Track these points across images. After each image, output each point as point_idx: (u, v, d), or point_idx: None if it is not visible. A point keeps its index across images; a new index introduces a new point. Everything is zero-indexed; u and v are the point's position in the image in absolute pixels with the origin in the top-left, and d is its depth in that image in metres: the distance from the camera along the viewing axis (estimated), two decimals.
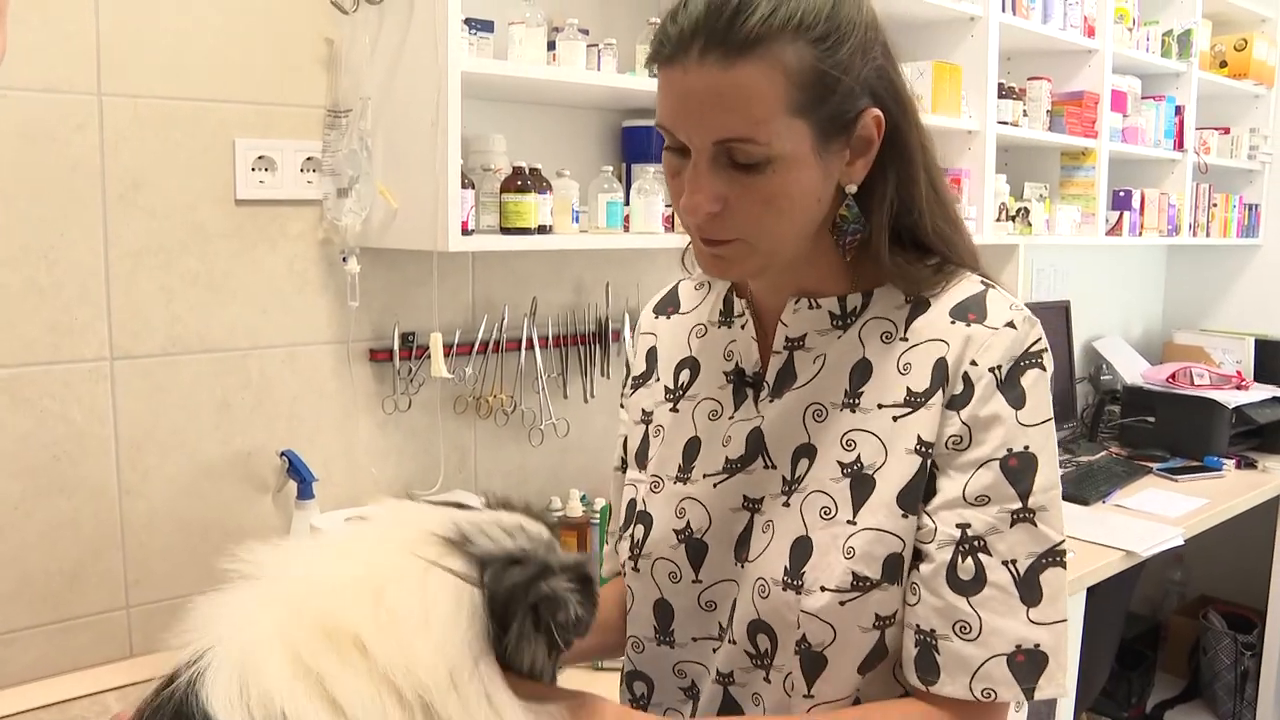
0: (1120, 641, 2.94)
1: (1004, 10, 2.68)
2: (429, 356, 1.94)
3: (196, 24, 1.72)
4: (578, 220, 1.99)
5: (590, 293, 2.27)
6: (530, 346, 2.15)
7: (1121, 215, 3.27)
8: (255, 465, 1.85)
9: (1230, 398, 3.15)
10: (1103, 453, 3.18)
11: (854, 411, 0.97)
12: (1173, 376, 3.32)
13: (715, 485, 1.03)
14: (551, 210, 1.91)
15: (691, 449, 1.06)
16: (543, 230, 1.90)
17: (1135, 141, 3.27)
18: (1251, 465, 3.11)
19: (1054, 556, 0.93)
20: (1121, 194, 3.29)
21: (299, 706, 0.72)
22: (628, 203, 2.06)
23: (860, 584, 0.92)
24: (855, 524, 0.94)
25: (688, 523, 1.04)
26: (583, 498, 2.12)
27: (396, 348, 1.98)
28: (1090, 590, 2.26)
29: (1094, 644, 2.42)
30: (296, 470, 1.85)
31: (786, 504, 0.98)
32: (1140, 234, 3.35)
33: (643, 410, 1.13)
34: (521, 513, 0.89)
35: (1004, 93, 2.76)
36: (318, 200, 1.87)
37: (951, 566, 0.91)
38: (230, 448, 1.82)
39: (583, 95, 2.08)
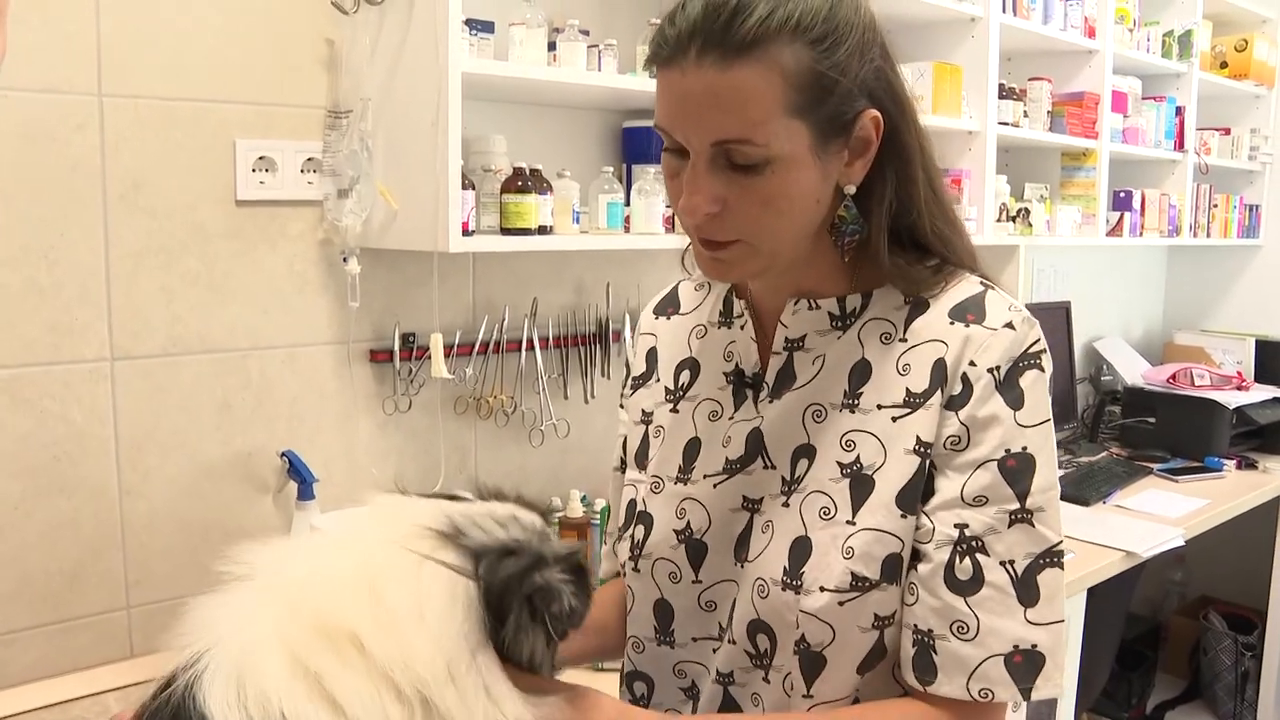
0: (1121, 642, 2.94)
1: (1004, 11, 2.68)
2: (429, 357, 1.94)
3: (197, 24, 1.72)
4: (578, 221, 1.99)
5: (591, 293, 2.28)
6: (531, 347, 2.16)
7: (1122, 216, 3.27)
8: (256, 466, 1.85)
9: (1231, 398, 3.15)
10: (1103, 453, 3.18)
11: (853, 412, 0.97)
12: (1173, 377, 3.32)
13: (715, 486, 1.03)
14: (552, 211, 1.91)
15: (692, 450, 1.06)
16: (543, 231, 1.90)
17: (1136, 142, 3.27)
18: (1252, 466, 3.11)
19: (1052, 557, 0.93)
20: (1122, 195, 3.28)
21: (298, 707, 0.72)
22: (628, 203, 2.06)
23: (859, 584, 0.93)
24: (854, 524, 0.94)
25: (688, 523, 1.04)
26: (583, 498, 2.12)
27: (397, 348, 1.98)
28: (1091, 591, 2.26)
29: (1094, 644, 2.42)
30: (297, 471, 1.85)
31: (786, 504, 0.98)
32: (1141, 235, 3.35)
33: (643, 411, 1.13)
34: (514, 502, 0.89)
35: (1004, 93, 2.76)
36: (318, 201, 1.87)
37: (949, 567, 0.92)
38: (231, 448, 1.82)
39: (583, 96, 2.08)
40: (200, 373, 1.77)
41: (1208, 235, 3.69)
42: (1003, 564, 0.91)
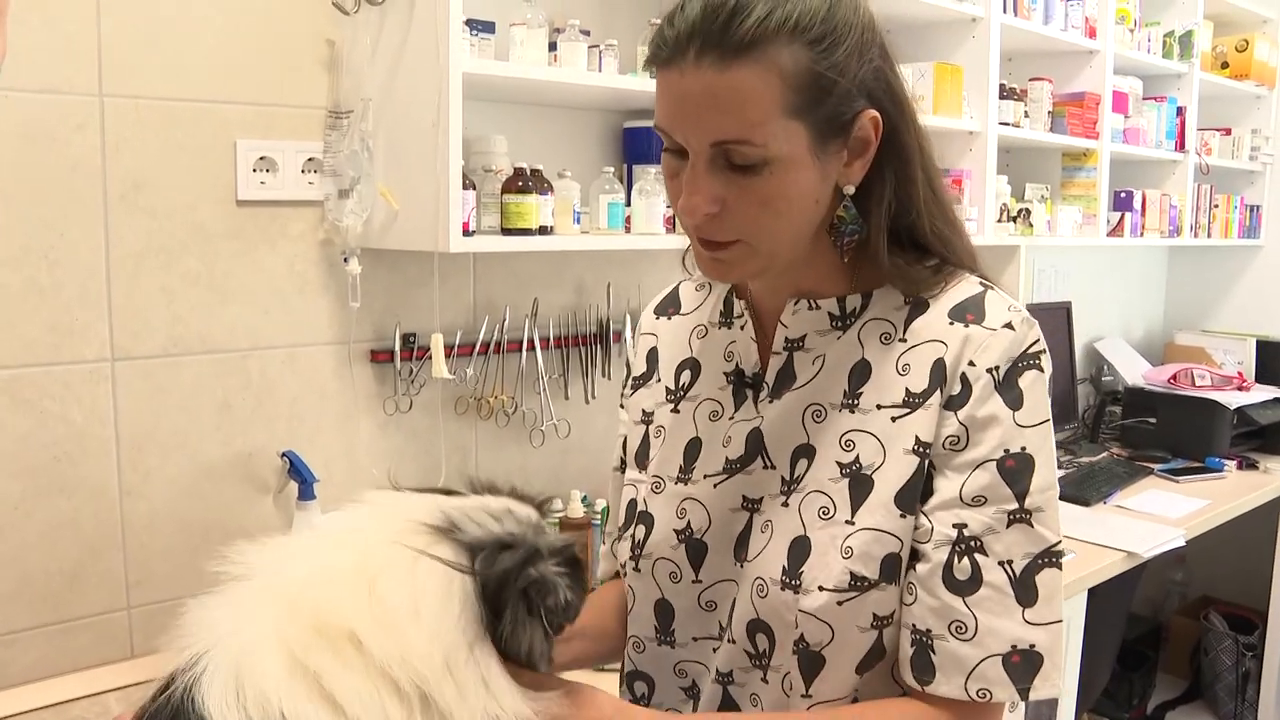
0: (1121, 642, 2.94)
1: (1005, 11, 2.68)
2: (430, 357, 1.94)
3: (198, 25, 1.72)
4: (579, 221, 1.99)
5: (591, 294, 2.28)
6: (531, 347, 2.16)
7: (1123, 216, 3.27)
8: (256, 466, 1.85)
9: (1231, 399, 3.15)
10: (1104, 454, 3.18)
11: (853, 412, 0.97)
12: (1174, 377, 3.32)
13: (715, 486, 1.03)
14: (553, 211, 1.91)
15: (692, 450, 1.06)
16: (544, 231, 1.90)
17: (1136, 142, 3.27)
18: (1253, 466, 3.10)
19: (1050, 557, 0.93)
20: (1123, 195, 3.28)
21: (297, 706, 0.72)
22: (629, 204, 2.06)
23: (858, 584, 0.93)
24: (853, 524, 0.94)
25: (688, 523, 1.04)
26: (584, 499, 2.13)
27: (397, 348, 1.98)
28: (1091, 591, 2.26)
29: (1095, 645, 2.42)
30: (297, 471, 1.85)
31: (785, 504, 0.98)
32: (1141, 235, 3.35)
33: (643, 411, 1.13)
34: (508, 496, 0.89)
35: (1005, 94, 2.76)
36: (319, 201, 1.87)
37: (948, 566, 0.92)
38: (231, 448, 1.82)
39: (584, 96, 2.08)
40: (201, 373, 1.78)
41: (1208, 235, 3.69)
42: (1001, 564, 0.91)
